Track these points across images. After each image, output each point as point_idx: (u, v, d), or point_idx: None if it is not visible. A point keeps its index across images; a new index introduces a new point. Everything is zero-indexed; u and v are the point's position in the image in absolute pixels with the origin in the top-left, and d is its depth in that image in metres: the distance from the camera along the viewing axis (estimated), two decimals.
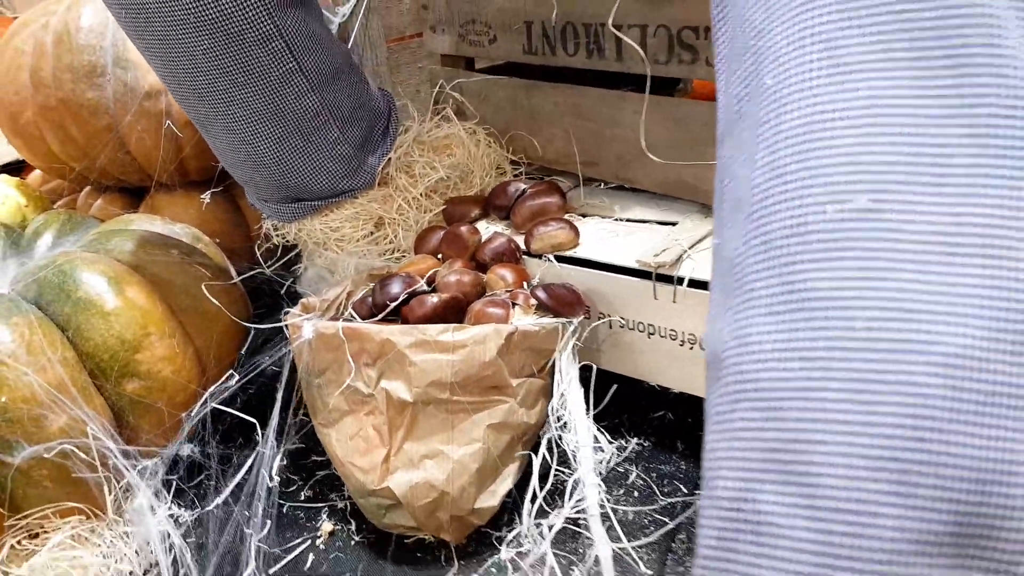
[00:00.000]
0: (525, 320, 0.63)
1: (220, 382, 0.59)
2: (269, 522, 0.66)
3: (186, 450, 0.58)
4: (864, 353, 0.29)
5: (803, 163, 0.32)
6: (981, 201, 0.30)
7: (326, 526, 0.67)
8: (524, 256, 0.72)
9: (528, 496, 0.55)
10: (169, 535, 0.60)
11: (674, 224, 0.70)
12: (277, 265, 0.81)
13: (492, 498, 0.61)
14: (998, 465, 0.28)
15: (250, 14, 0.61)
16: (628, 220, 0.74)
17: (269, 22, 0.62)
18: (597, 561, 0.52)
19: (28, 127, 0.91)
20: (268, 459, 0.56)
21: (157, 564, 0.60)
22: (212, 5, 0.59)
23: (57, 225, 0.81)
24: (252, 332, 0.68)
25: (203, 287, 0.68)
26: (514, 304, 0.64)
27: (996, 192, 0.30)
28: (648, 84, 0.65)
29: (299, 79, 0.67)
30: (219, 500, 0.57)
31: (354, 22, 0.96)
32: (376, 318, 0.65)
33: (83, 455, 0.58)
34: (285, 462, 0.75)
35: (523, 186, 0.77)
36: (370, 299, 0.68)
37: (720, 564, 0.32)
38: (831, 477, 0.29)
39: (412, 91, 1.06)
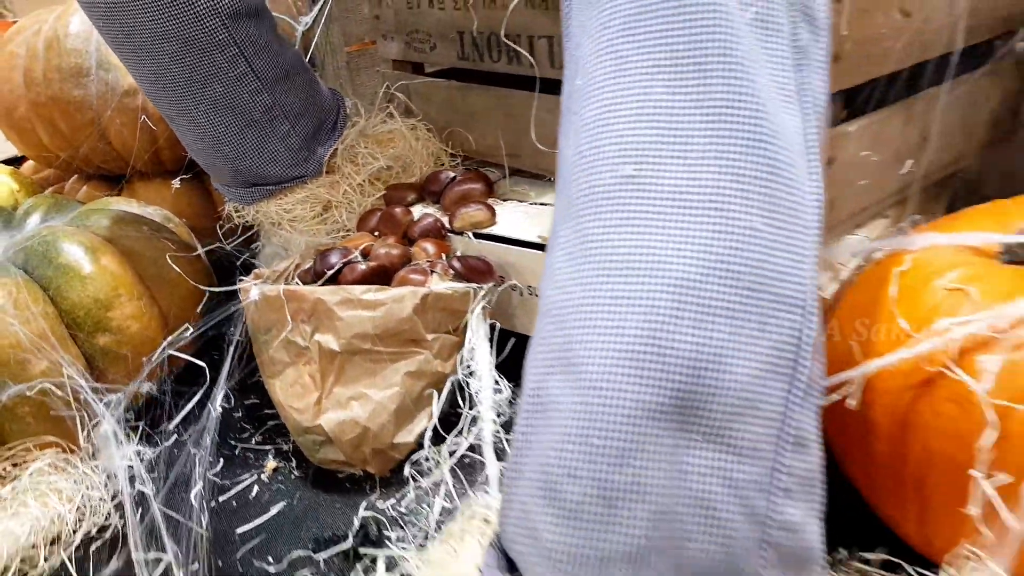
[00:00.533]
0: (440, 285, 0.73)
1: (177, 333, 0.70)
2: (222, 460, 0.77)
3: (145, 387, 0.69)
4: (620, 278, 0.40)
5: (593, 144, 0.44)
6: (712, 169, 0.41)
7: (270, 463, 0.78)
8: (449, 233, 0.83)
9: (430, 425, 0.65)
10: (132, 466, 0.70)
11: None
12: (238, 242, 0.92)
13: (409, 435, 0.72)
14: (710, 358, 0.39)
15: (207, 25, 0.72)
16: (542, 203, 0.85)
17: (224, 32, 0.73)
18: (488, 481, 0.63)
19: (21, 121, 1.02)
20: (215, 396, 0.67)
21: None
22: (174, 19, 0.70)
23: (45, 207, 0.92)
24: (207, 296, 0.79)
25: (167, 258, 0.79)
26: (433, 271, 0.75)
27: (724, 162, 0.41)
28: (537, 85, 0.76)
29: (252, 79, 0.78)
30: (171, 425, 0.68)
31: (316, 30, 1.07)
32: (316, 284, 0.76)
33: (59, 393, 0.69)
34: (240, 413, 0.85)
35: (452, 174, 0.88)
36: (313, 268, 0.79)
37: (524, 437, 0.42)
38: (592, 366, 0.40)
39: (371, 92, 1.17)
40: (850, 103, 0.64)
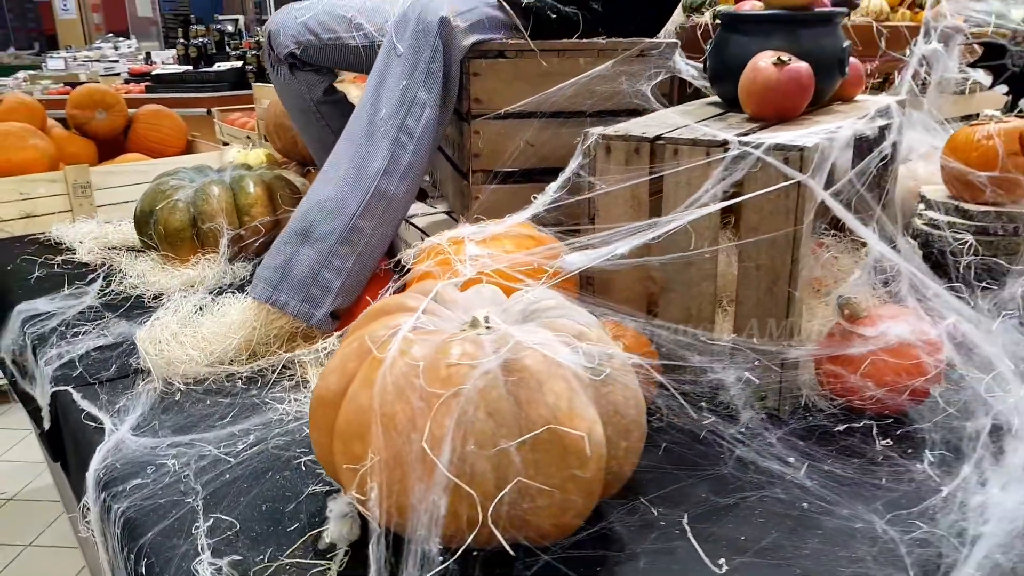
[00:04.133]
0: None
1: (271, 217, 1.81)
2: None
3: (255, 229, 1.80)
4: (314, 193, 1.40)
5: (328, 158, 1.44)
6: (351, 172, 1.39)
7: None
8: None
9: None
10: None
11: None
12: None
13: None
14: (313, 222, 1.37)
15: (308, 106, 1.82)
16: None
17: (315, 108, 1.82)
18: None
19: (271, 132, 2.25)
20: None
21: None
22: (297, 101, 1.81)
23: (266, 166, 2.10)
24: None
25: (279, 195, 1.90)
26: None
27: (351, 170, 1.39)
28: None
29: (326, 129, 1.86)
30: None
31: None
32: None
33: (220, 229, 1.82)
34: None
35: None
36: None
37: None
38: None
39: None
40: (493, 176, 1.53)
